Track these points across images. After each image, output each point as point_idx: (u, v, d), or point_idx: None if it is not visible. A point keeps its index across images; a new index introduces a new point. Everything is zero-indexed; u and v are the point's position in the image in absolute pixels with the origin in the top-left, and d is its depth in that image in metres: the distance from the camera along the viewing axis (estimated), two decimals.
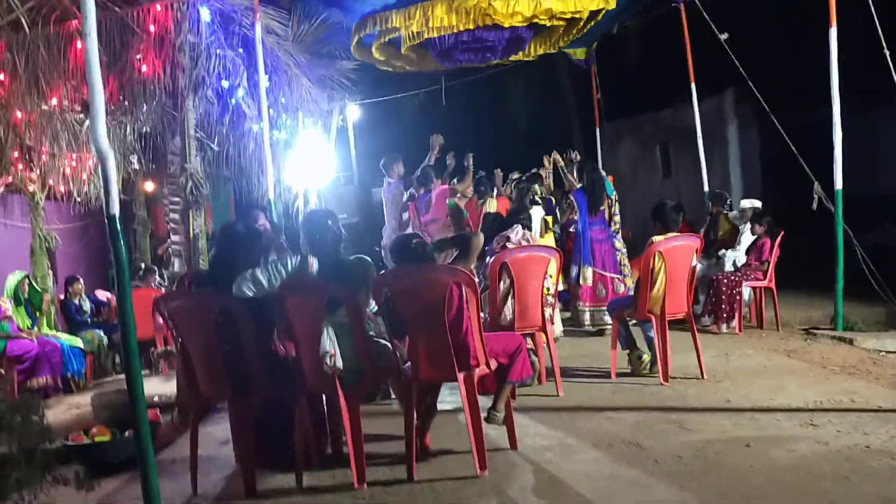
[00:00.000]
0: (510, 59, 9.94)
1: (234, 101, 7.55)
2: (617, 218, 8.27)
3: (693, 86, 10.04)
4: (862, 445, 4.02)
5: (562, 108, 19.03)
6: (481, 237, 4.53)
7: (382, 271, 4.92)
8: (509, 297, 5.63)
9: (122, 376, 4.57)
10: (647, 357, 5.98)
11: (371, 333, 4.28)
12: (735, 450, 4.10)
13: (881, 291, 7.66)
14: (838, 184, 7.26)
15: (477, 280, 4.55)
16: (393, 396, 5.26)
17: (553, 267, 5.80)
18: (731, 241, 8.48)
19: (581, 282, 8.12)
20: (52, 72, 6.85)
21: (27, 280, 7.80)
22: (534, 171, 9.93)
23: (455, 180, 8.88)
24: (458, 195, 8.23)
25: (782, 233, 7.97)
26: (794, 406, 4.86)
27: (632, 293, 6.49)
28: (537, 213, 7.68)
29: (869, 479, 3.57)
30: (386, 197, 8.48)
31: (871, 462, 3.77)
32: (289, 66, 8.71)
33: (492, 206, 7.91)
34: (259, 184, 8.78)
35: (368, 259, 4.27)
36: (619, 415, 4.94)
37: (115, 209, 3.45)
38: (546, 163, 9.52)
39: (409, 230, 7.98)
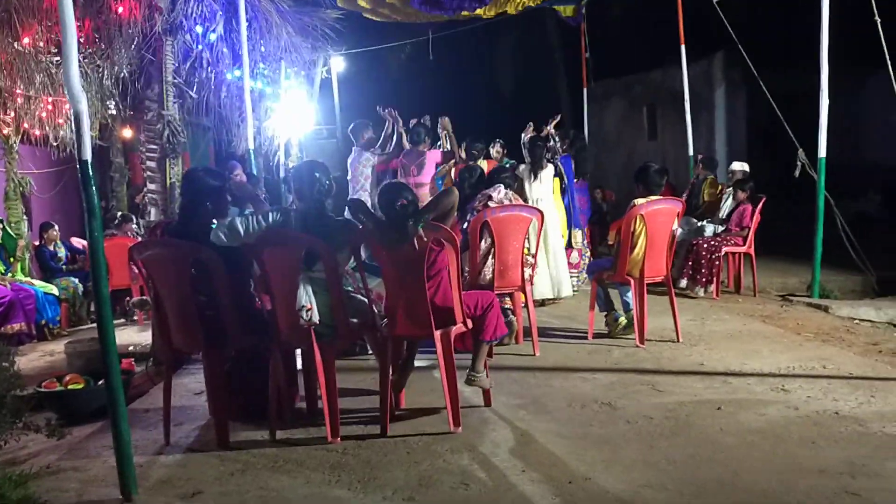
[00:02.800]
0: (498, 10, 9.75)
1: (201, 46, 7.33)
2: None
3: (683, 48, 9.93)
4: (831, 411, 4.07)
5: (549, 67, 18.86)
6: (455, 193, 4.44)
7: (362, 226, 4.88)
8: (489, 257, 5.61)
9: None
10: (623, 319, 6.00)
11: (349, 289, 4.26)
12: (706, 412, 4.14)
13: (859, 261, 7.74)
14: (822, 152, 7.26)
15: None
16: (370, 352, 5.26)
17: (534, 226, 5.79)
18: (715, 207, 8.48)
19: (573, 244, 8.18)
20: (25, 11, 6.64)
21: (1, 225, 7.68)
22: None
23: (440, 149, 8.65)
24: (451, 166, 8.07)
25: (763, 199, 7.98)
26: (767, 371, 4.91)
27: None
28: (549, 171, 7.63)
29: (836, 444, 3.62)
30: (351, 167, 7.95)
31: (839, 428, 3.82)
32: (270, 14, 8.51)
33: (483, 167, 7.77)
34: (239, 134, 8.64)
35: (357, 224, 4.20)
36: (593, 375, 4.97)
37: (88, 154, 3.35)
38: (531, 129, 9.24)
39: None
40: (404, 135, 8.16)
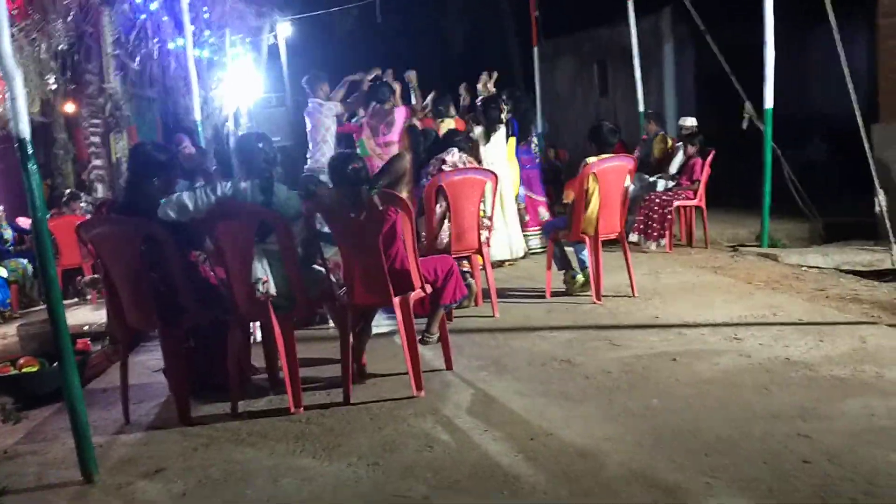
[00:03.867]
0: None
1: (144, 16, 7.11)
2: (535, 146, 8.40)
3: (630, 4, 9.95)
4: (782, 357, 4.19)
5: (499, 25, 18.76)
6: (406, 158, 4.42)
7: (314, 194, 4.84)
8: (445, 221, 5.61)
9: None
10: (581, 277, 6.07)
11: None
12: (662, 364, 4.23)
13: (805, 208, 7.93)
14: (769, 103, 7.37)
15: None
16: (330, 321, 5.26)
17: (489, 189, 5.79)
18: (667, 162, 8.58)
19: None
20: None
21: None
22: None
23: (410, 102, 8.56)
24: (416, 117, 7.99)
25: (713, 152, 8.09)
26: (720, 321, 5.03)
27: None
28: (502, 132, 7.60)
29: (787, 389, 3.74)
30: (311, 119, 7.67)
31: (790, 373, 3.94)
32: None
33: (450, 125, 7.69)
34: (187, 105, 8.44)
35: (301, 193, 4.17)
36: (552, 334, 5.04)
37: (26, 132, 3.25)
38: (485, 80, 9.16)
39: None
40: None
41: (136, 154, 4.30)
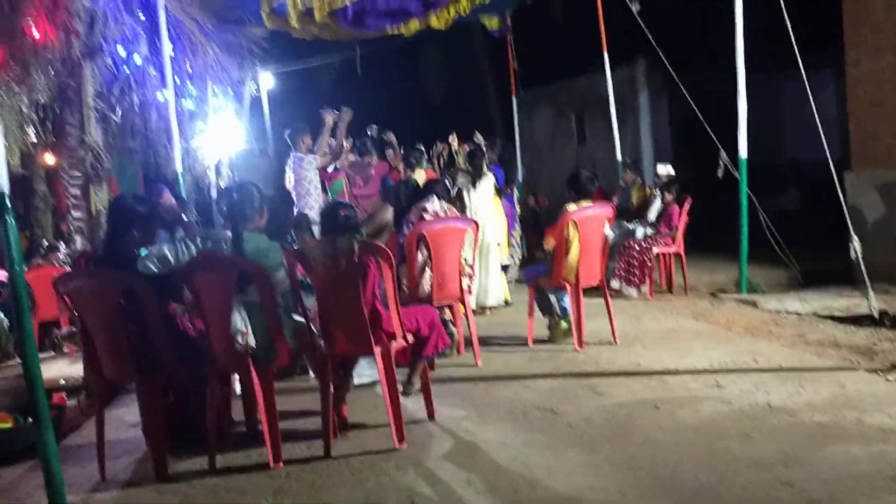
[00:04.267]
0: (420, 27, 9.82)
1: (128, 69, 7.18)
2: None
3: (606, 55, 10.17)
4: (763, 404, 4.20)
5: (478, 78, 19.07)
6: (389, 210, 4.48)
7: (297, 245, 4.84)
8: (427, 269, 5.62)
9: None
10: (564, 324, 6.08)
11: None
12: (645, 412, 4.22)
13: (782, 255, 8.03)
14: (743, 153, 7.51)
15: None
16: (311, 373, 5.21)
17: (470, 237, 5.82)
18: (645, 209, 8.68)
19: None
20: None
21: None
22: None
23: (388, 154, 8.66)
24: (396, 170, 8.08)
25: (689, 200, 8.21)
26: (701, 367, 5.04)
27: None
28: (489, 180, 7.73)
29: (769, 436, 3.73)
30: (294, 172, 7.55)
31: (772, 420, 3.95)
32: (194, 33, 8.39)
33: (420, 176, 7.79)
34: (168, 156, 8.46)
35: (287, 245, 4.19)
36: (535, 382, 5.02)
37: (4, 184, 3.25)
38: (452, 140, 9.25)
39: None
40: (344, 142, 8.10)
41: (116, 207, 4.29)
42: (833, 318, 6.60)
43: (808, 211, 12.28)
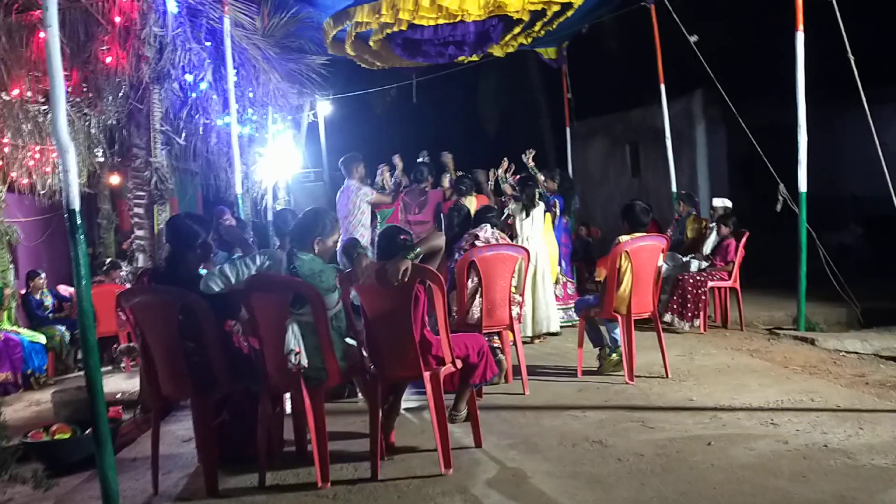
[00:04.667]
0: (479, 56, 9.95)
1: (194, 94, 7.43)
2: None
3: (662, 86, 10.12)
4: (820, 444, 4.08)
5: (532, 107, 19.13)
6: (442, 237, 4.53)
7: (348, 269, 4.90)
8: (477, 296, 5.63)
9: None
10: (614, 356, 6.02)
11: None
12: (696, 448, 4.15)
13: (842, 292, 7.81)
14: (802, 186, 7.36)
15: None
16: (360, 394, 5.25)
17: (521, 265, 5.82)
18: (700, 242, 8.56)
19: (559, 279, 8.32)
20: (13, 62, 6.71)
21: None
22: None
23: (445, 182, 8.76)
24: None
25: (747, 234, 8.07)
26: (756, 405, 4.92)
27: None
28: (540, 209, 7.76)
29: (826, 477, 3.63)
30: (346, 199, 7.57)
31: (828, 461, 3.84)
32: (257, 61, 8.64)
33: (471, 203, 7.82)
34: (227, 179, 8.70)
35: (339, 267, 4.25)
36: (583, 413, 4.97)
37: (75, 203, 3.39)
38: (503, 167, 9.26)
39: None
40: (402, 182, 8.31)
41: (173, 226, 4.40)
42: (895, 359, 6.39)
43: (869, 247, 11.96)
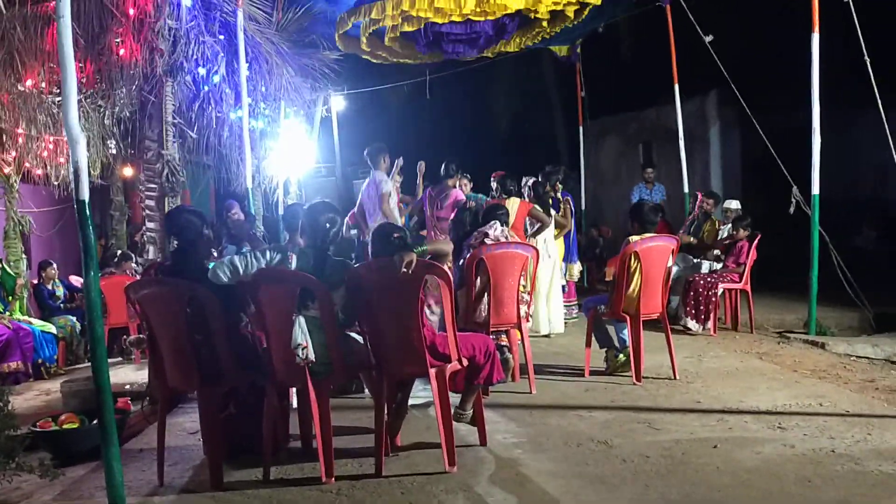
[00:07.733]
0: (494, 51, 9.94)
1: (207, 87, 7.46)
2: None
3: (676, 86, 10.07)
4: (827, 449, 4.06)
5: (545, 104, 19.06)
6: (451, 245, 4.55)
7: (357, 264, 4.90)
8: (485, 294, 5.62)
9: None
10: (622, 356, 5.99)
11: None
12: (702, 450, 4.13)
13: (854, 296, 7.75)
14: (816, 189, 7.31)
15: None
16: (366, 390, 5.26)
17: (530, 264, 5.81)
18: (713, 244, 8.50)
19: (567, 277, 8.42)
20: (28, 53, 6.75)
21: (0, 264, 7.71)
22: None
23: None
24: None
25: (759, 236, 8.01)
26: (763, 408, 4.90)
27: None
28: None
29: (831, 482, 3.60)
30: (370, 193, 7.56)
31: (835, 466, 3.81)
32: (270, 55, 8.64)
33: (514, 205, 7.75)
34: (239, 172, 8.72)
35: (349, 262, 4.25)
36: (590, 413, 4.96)
37: (85, 194, 3.40)
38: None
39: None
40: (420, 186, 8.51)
41: (177, 219, 4.39)
42: None
43: (883, 251, 11.85)
